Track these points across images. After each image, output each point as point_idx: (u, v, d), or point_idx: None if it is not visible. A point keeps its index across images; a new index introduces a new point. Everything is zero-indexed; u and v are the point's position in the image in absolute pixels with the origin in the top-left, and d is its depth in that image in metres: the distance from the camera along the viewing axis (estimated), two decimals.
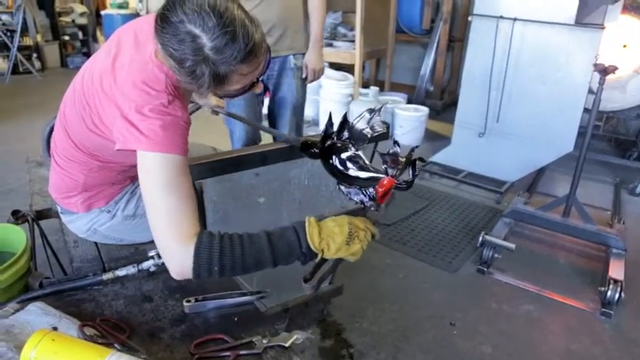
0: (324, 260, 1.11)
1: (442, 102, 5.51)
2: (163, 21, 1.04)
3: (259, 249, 1.07)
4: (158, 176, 1.08)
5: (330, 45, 5.01)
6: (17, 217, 1.77)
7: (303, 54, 2.55)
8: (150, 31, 1.18)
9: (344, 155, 1.21)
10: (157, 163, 1.08)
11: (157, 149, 1.08)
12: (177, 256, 1.06)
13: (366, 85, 5.07)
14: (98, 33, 8.39)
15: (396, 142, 1.16)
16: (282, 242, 1.09)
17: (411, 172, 1.15)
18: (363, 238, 1.13)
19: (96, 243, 1.61)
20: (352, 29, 5.00)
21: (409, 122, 4.53)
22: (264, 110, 2.80)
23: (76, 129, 1.34)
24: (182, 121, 1.14)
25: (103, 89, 1.19)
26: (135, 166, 1.11)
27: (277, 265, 1.10)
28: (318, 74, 2.61)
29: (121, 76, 1.16)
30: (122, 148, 1.12)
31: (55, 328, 1.05)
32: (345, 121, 1.24)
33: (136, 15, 7.41)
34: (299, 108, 2.66)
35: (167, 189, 1.08)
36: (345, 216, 1.16)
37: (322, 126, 1.23)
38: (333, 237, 1.10)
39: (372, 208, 1.16)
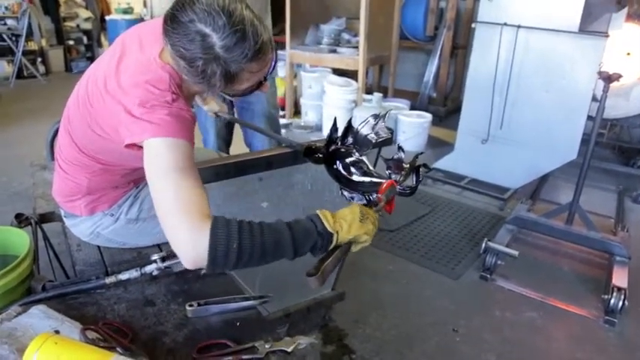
0: (333, 250, 1.07)
1: (445, 108, 5.51)
2: (173, 21, 1.04)
3: (278, 229, 1.03)
4: (167, 160, 1.04)
5: (334, 51, 5.02)
6: (20, 220, 1.77)
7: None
8: (154, 35, 1.19)
9: (348, 160, 1.21)
10: (165, 148, 1.06)
11: (164, 134, 1.06)
12: (192, 238, 0.97)
13: (369, 91, 5.07)
14: (102, 38, 8.45)
15: (400, 148, 1.16)
16: (298, 225, 1.05)
17: (414, 178, 1.15)
18: (374, 221, 1.11)
19: (99, 247, 1.61)
20: (356, 35, 5.01)
21: (412, 128, 4.53)
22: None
23: (79, 132, 1.34)
24: (187, 115, 1.13)
25: (107, 90, 1.19)
26: (138, 170, 1.11)
27: (296, 249, 1.03)
28: None
29: (125, 77, 1.17)
30: (130, 142, 1.10)
31: (57, 332, 1.05)
32: (349, 127, 1.24)
33: (141, 20, 7.45)
34: (273, 118, 2.58)
35: (177, 173, 1.03)
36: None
37: (325, 131, 1.24)
38: (346, 217, 1.08)
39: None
